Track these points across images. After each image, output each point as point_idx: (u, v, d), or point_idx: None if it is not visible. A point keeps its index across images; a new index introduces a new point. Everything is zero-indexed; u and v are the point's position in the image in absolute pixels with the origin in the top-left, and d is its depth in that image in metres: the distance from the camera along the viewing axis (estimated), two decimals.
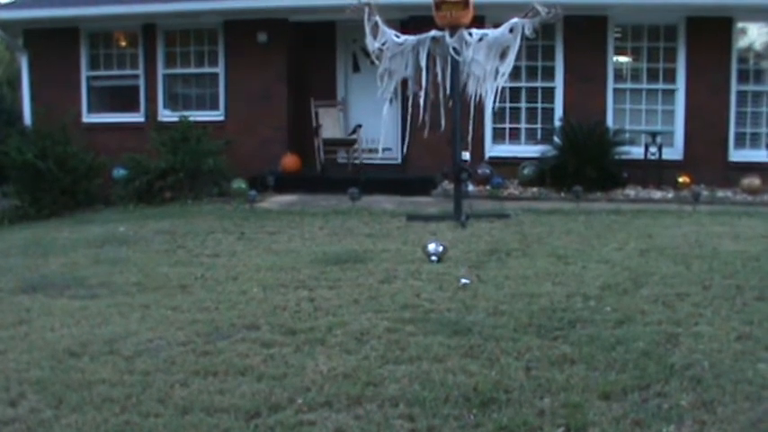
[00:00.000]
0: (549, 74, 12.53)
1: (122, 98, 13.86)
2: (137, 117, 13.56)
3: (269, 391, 3.94)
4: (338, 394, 3.87)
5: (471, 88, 9.26)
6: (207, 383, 4.08)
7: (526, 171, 11.95)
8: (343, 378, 4.09)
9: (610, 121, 12.24)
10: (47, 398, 3.94)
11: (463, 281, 6.01)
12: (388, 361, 4.32)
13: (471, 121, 9.43)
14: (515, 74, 12.42)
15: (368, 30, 9.23)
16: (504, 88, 12.01)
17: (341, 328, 4.92)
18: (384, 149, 12.01)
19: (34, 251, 8.08)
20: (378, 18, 9.22)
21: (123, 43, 13.91)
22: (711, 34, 12.06)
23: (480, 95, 9.25)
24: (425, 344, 4.55)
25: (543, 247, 7.42)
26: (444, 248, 6.87)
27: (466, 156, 9.58)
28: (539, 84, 12.59)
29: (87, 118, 13.72)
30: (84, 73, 13.77)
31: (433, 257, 6.76)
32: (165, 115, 13.30)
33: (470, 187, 10.59)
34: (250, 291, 5.98)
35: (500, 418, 3.57)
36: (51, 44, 13.67)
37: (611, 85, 12.38)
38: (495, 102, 9.27)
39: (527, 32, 9.09)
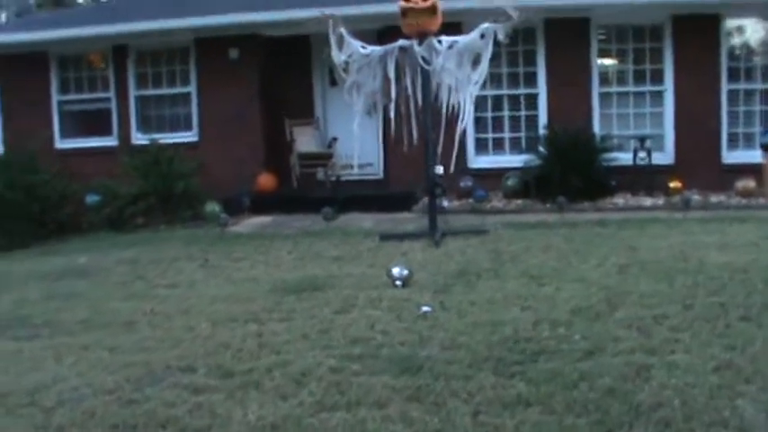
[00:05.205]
0: (531, 80, 12.07)
1: (95, 122, 13.44)
2: (110, 141, 13.16)
3: None
4: None
5: (444, 98, 8.82)
6: None
7: (510, 182, 11.47)
8: (270, 429, 3.70)
9: (596, 127, 11.77)
10: None
11: (424, 309, 5.57)
12: (324, 408, 3.90)
13: (449, 132, 8.95)
14: (497, 81, 12.04)
15: (333, 42, 8.81)
16: (485, 96, 11.63)
17: (281, 368, 4.50)
18: (365, 165, 11.59)
19: None
20: (343, 30, 8.81)
21: (94, 66, 13.52)
22: (699, 32, 11.61)
23: (454, 106, 8.81)
24: (368, 386, 4.12)
25: (517, 266, 6.96)
26: (410, 272, 6.43)
27: (440, 170, 9.10)
28: (521, 90, 12.13)
29: (60, 143, 13.37)
30: (56, 97, 13.42)
31: (398, 282, 6.33)
32: (139, 138, 12.93)
33: (445, 203, 10.13)
34: (198, 326, 5.62)
35: None
36: (21, 69, 13.33)
37: (596, 89, 11.91)
38: (466, 112, 8.81)
39: (500, 38, 8.66)
